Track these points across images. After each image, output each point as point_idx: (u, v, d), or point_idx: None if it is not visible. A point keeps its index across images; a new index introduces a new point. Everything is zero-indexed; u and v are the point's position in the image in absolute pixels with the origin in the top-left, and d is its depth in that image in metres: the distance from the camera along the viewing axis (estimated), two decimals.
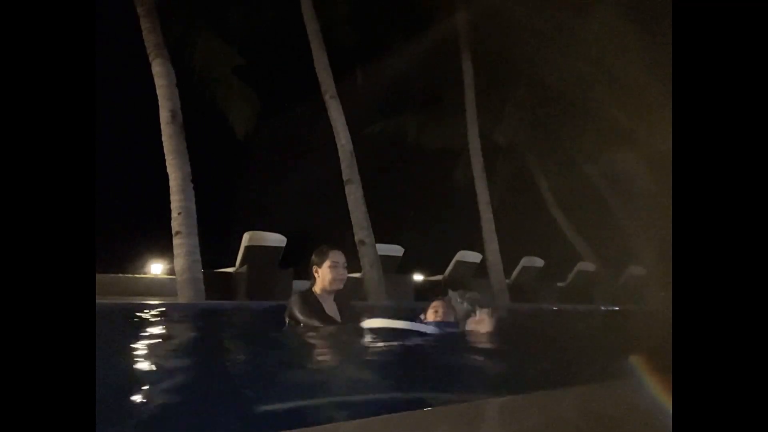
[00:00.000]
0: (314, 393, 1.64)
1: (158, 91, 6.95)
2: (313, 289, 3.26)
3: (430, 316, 3.07)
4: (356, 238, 8.10)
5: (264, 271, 7.95)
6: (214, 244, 7.75)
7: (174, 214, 6.60)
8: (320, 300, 3.23)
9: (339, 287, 3.27)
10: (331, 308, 3.24)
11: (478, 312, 3.03)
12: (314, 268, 3.27)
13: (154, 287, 9.20)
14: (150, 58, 7.04)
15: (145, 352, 2.55)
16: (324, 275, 3.23)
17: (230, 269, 8.28)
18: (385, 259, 8.75)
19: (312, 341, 2.93)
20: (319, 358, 2.54)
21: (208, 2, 9.33)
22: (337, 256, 3.27)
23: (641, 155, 11.39)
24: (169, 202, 6.68)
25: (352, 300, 3.68)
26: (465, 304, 3.04)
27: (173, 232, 6.58)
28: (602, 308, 9.31)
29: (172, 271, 7.71)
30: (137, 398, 1.50)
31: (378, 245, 8.30)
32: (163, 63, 6.98)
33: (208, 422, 1.30)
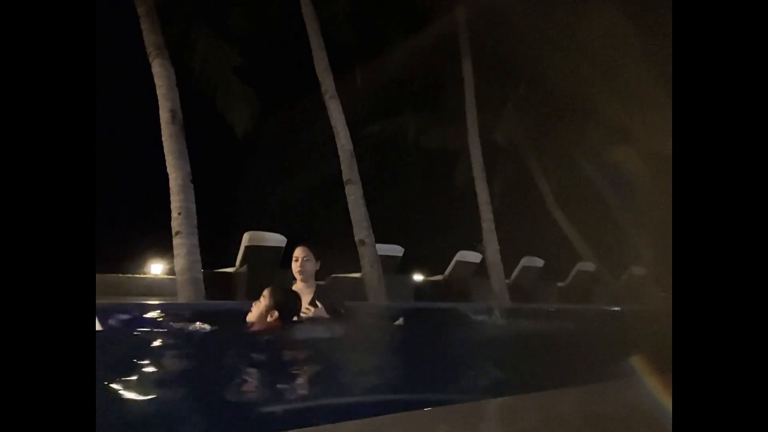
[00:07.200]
0: (314, 393, 1.64)
1: (158, 91, 6.94)
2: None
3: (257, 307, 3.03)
4: (356, 238, 8.08)
5: (264, 271, 7.94)
6: (214, 244, 7.74)
7: (174, 214, 6.59)
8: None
9: (301, 280, 3.46)
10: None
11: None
12: None
13: (154, 287, 9.19)
14: (150, 58, 7.02)
15: (145, 352, 2.55)
16: None
17: (230, 269, 8.27)
18: (385, 259, 8.73)
19: (313, 341, 2.93)
20: (320, 358, 2.54)
21: (208, 2, 9.32)
22: (297, 252, 3.53)
23: (641, 155, 11.37)
24: (169, 202, 6.67)
25: (345, 300, 3.76)
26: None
27: (173, 232, 6.57)
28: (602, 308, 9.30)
29: (172, 271, 7.70)
30: (137, 399, 1.50)
31: (378, 245, 8.28)
32: (163, 63, 6.97)
33: (207, 423, 1.30)
